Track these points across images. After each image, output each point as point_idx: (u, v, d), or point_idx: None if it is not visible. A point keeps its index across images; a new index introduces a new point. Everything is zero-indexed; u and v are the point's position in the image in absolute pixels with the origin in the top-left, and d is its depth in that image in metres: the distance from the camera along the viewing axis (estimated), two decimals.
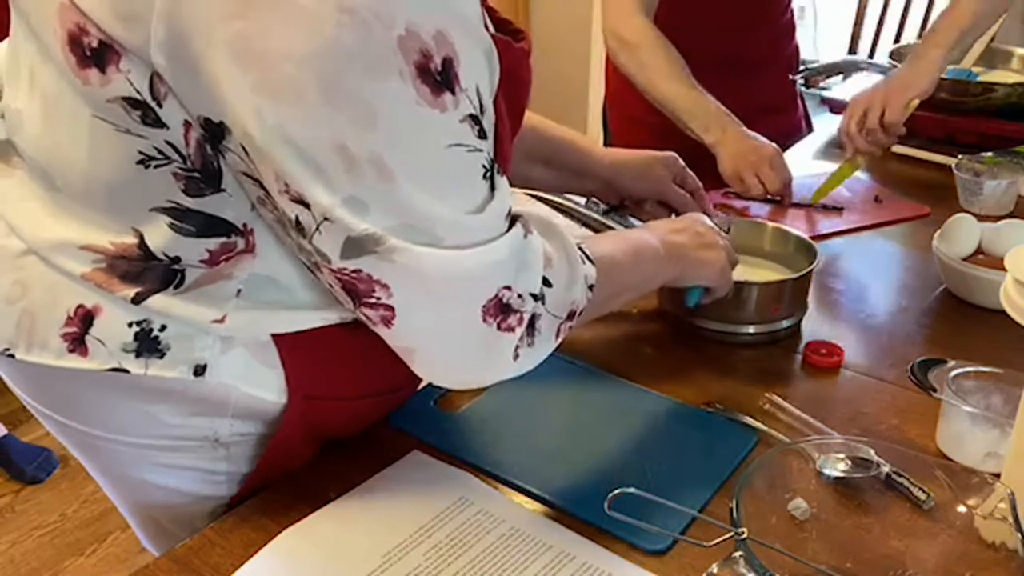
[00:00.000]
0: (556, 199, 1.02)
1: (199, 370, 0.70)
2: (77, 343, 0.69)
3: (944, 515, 0.70)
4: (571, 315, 0.73)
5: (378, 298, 0.63)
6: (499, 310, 0.65)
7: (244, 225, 0.66)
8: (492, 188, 0.65)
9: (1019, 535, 0.63)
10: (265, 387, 0.74)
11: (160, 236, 0.66)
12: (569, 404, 0.91)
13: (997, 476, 0.70)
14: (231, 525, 0.75)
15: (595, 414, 0.89)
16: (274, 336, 0.72)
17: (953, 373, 0.84)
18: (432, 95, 0.57)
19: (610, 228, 1.05)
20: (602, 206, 1.07)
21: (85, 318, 0.69)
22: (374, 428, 0.86)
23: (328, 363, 0.76)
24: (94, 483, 0.86)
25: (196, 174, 0.63)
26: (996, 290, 0.72)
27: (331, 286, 0.66)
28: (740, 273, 1.07)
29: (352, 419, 0.84)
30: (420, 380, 0.88)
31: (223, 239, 0.66)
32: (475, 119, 0.61)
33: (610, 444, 0.85)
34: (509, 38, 0.65)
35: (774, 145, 1.35)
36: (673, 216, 1.08)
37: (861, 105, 1.41)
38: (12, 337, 0.70)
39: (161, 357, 0.69)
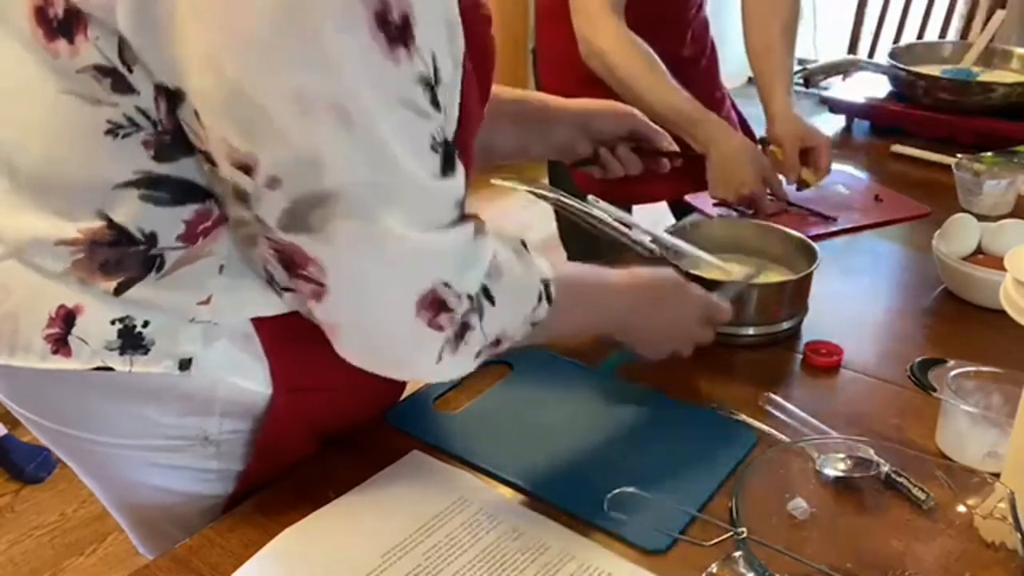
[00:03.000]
0: (556, 197, 1.02)
1: (184, 364, 0.70)
2: (60, 344, 0.69)
3: (944, 515, 0.70)
4: (497, 342, 0.71)
5: (311, 273, 0.62)
6: (433, 305, 0.64)
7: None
8: (445, 166, 0.64)
9: (1019, 535, 0.63)
10: (250, 378, 0.74)
11: (131, 211, 0.65)
12: (569, 404, 0.91)
13: (997, 476, 0.70)
14: (230, 525, 0.75)
15: (595, 414, 0.89)
16: (256, 325, 0.72)
17: (953, 373, 0.84)
18: (387, 45, 0.57)
19: (609, 227, 1.05)
20: (601, 203, 1.06)
21: (67, 318, 0.68)
22: (374, 428, 0.87)
23: (311, 354, 0.75)
24: None
25: (167, 137, 0.63)
26: (996, 290, 0.72)
27: (267, 262, 0.65)
28: (741, 274, 1.07)
29: (341, 413, 0.84)
30: None
31: (197, 205, 0.66)
32: (428, 84, 0.60)
33: (610, 444, 0.85)
34: (470, 4, 0.65)
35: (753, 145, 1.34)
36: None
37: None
38: None
39: (145, 353, 0.69)
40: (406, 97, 0.60)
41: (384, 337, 0.67)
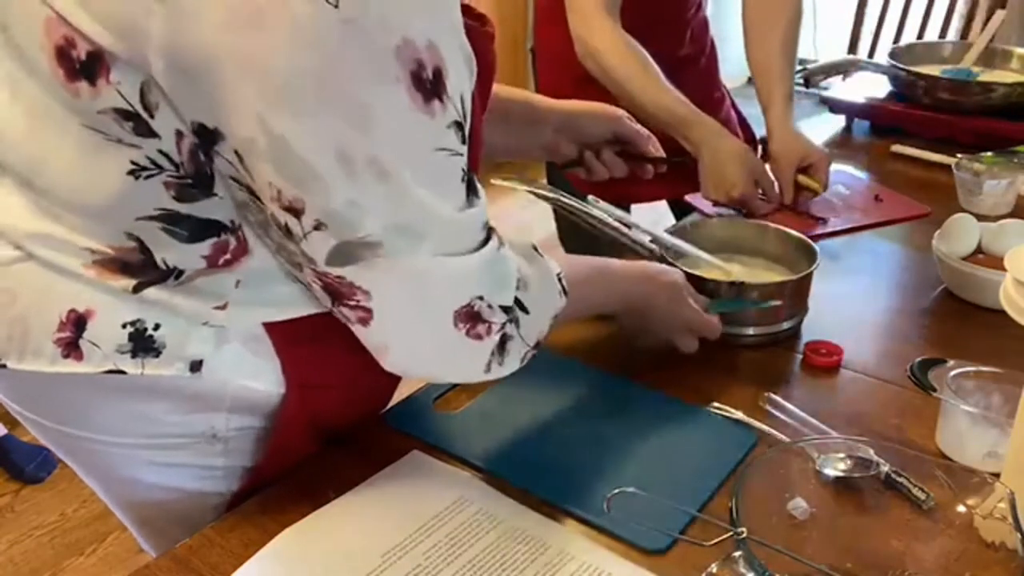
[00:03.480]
0: (556, 197, 1.02)
1: (195, 366, 0.71)
2: (71, 347, 0.69)
3: (944, 515, 0.70)
4: (537, 344, 0.76)
5: (357, 301, 0.66)
6: (469, 318, 0.68)
7: (232, 222, 0.67)
8: (470, 192, 0.67)
9: (1019, 535, 0.63)
10: (262, 379, 0.74)
11: (152, 238, 0.66)
12: (569, 404, 0.91)
13: (997, 476, 0.70)
14: (231, 525, 0.75)
15: (595, 414, 0.89)
16: (267, 327, 0.73)
17: (953, 373, 0.84)
18: (424, 102, 0.59)
19: (609, 227, 1.05)
20: (601, 203, 1.06)
21: (78, 322, 0.68)
22: (374, 428, 0.87)
23: (323, 350, 0.76)
24: None
25: (188, 180, 0.64)
26: (996, 290, 0.72)
27: (311, 285, 0.68)
28: (741, 274, 1.07)
29: (350, 407, 0.84)
30: None
31: (215, 239, 0.67)
32: (459, 126, 0.63)
33: (610, 444, 0.85)
34: (476, 24, 0.67)
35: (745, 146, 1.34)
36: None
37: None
38: (4, 347, 0.70)
39: (157, 356, 0.70)
40: (442, 144, 0.62)
41: (429, 351, 0.70)
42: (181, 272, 0.68)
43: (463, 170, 0.66)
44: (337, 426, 0.85)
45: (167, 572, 0.71)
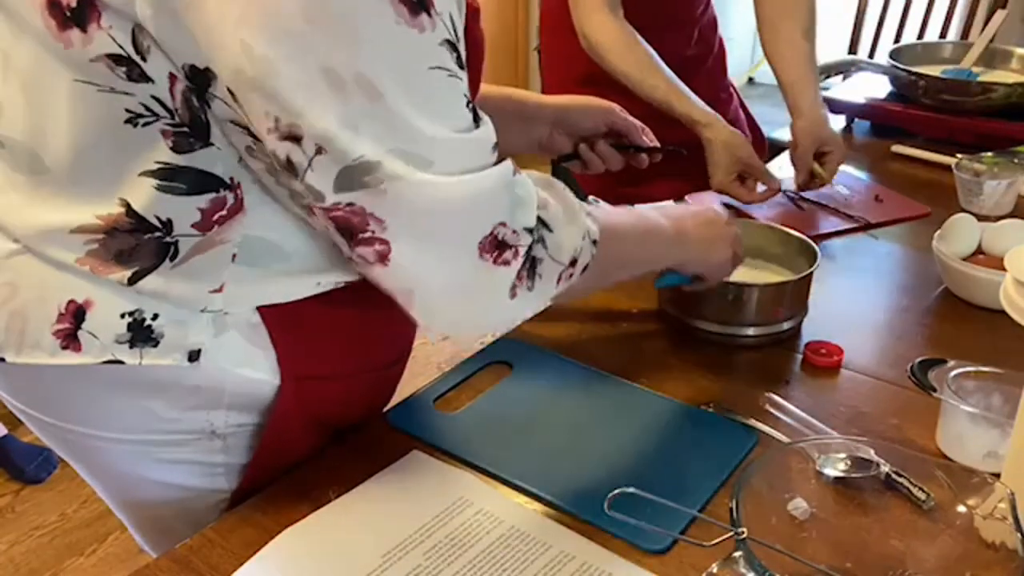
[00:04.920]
0: None
1: (193, 355, 0.71)
2: (70, 339, 0.69)
3: (944, 515, 0.70)
4: (573, 262, 0.73)
5: (373, 232, 0.63)
6: (495, 246, 0.66)
7: (231, 179, 0.67)
8: (476, 118, 0.66)
9: (1019, 535, 0.63)
10: (258, 368, 0.74)
11: (149, 199, 0.66)
12: (569, 404, 0.91)
13: (997, 476, 0.70)
14: (231, 525, 0.75)
15: (595, 414, 0.89)
16: (263, 314, 0.73)
17: (953, 373, 0.84)
18: (410, 15, 0.58)
19: None
20: (602, 204, 1.06)
21: (77, 313, 0.69)
22: (374, 428, 0.87)
23: (318, 341, 0.76)
24: None
25: (184, 128, 0.63)
26: (996, 290, 0.72)
27: (326, 229, 0.66)
28: (741, 275, 1.07)
29: (346, 401, 0.84)
30: (409, 353, 0.89)
31: (212, 195, 0.66)
32: (452, 45, 0.62)
33: (610, 444, 0.85)
34: None
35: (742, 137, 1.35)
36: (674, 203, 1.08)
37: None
38: (3, 340, 0.70)
39: (155, 346, 0.70)
40: (437, 62, 0.61)
41: (456, 287, 0.67)
42: (176, 250, 0.67)
43: (465, 95, 0.64)
44: (337, 422, 0.85)
45: (167, 572, 0.71)
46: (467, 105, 0.64)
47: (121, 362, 0.69)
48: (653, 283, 1.01)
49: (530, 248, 0.68)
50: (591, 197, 1.07)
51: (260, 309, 0.73)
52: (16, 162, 0.69)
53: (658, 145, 1.08)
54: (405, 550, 0.71)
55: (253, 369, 0.74)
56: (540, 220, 0.69)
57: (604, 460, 0.82)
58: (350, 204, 0.62)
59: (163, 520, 0.84)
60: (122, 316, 0.69)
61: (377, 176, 0.60)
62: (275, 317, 0.73)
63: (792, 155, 1.38)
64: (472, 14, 0.68)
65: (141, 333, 0.69)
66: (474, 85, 0.74)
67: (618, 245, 0.80)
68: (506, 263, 0.67)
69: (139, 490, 0.81)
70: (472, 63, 0.70)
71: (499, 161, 0.67)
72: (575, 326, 1.06)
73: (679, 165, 1.19)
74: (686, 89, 1.35)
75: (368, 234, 0.63)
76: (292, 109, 0.58)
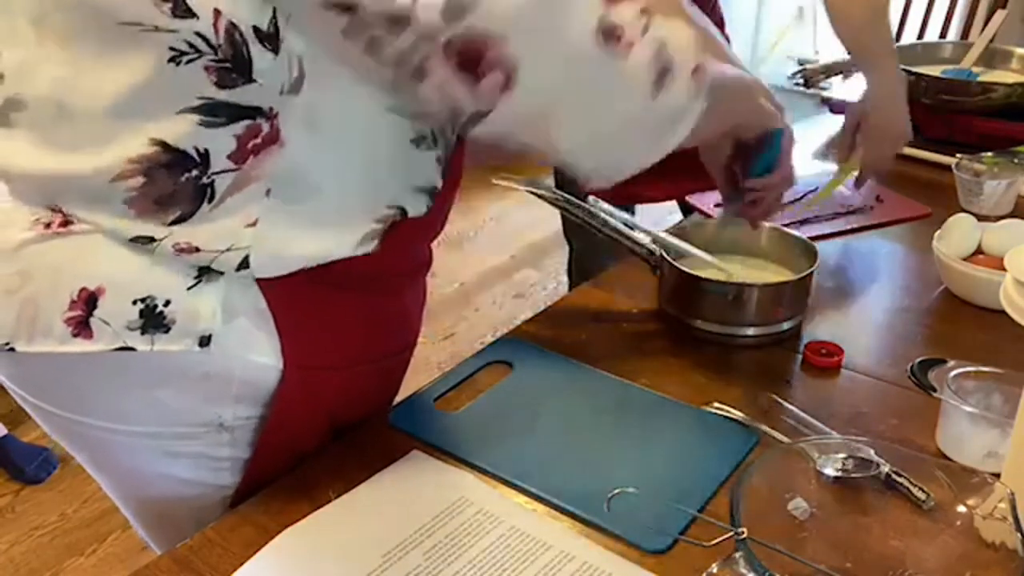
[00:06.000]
0: (555, 197, 1.02)
1: (204, 341, 0.71)
2: (82, 326, 0.69)
3: (944, 515, 0.70)
4: (697, 69, 0.69)
5: (496, 55, 0.61)
6: (607, 33, 0.64)
7: (271, 109, 0.66)
8: None
9: (1019, 535, 0.63)
10: (264, 354, 0.75)
11: (186, 133, 0.66)
12: (569, 404, 0.91)
13: (997, 476, 0.70)
14: (231, 525, 0.75)
15: (595, 414, 0.89)
16: (269, 300, 0.73)
17: (953, 373, 0.84)
18: None
19: (609, 228, 1.05)
20: (602, 204, 1.06)
21: (89, 300, 0.69)
22: (374, 428, 0.87)
23: (322, 331, 0.77)
24: (94, 483, 0.86)
25: (227, 64, 0.64)
26: (996, 290, 0.72)
27: (444, 84, 0.63)
28: (741, 275, 1.07)
29: (348, 393, 0.84)
30: (414, 346, 0.89)
31: (248, 121, 0.66)
32: None
33: (610, 444, 0.85)
34: None
35: None
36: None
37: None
38: (13, 329, 0.70)
39: (166, 332, 0.70)
40: None
41: (590, 93, 0.66)
42: (213, 192, 0.67)
43: None
44: (342, 414, 0.85)
45: (167, 572, 0.71)
46: None
47: (132, 349, 0.70)
48: (657, 275, 1.00)
49: (645, 30, 0.66)
50: (591, 198, 1.07)
51: (266, 293, 0.73)
52: (41, 120, 0.68)
53: None
54: (405, 550, 0.71)
55: (259, 355, 0.75)
56: (640, 10, 0.67)
57: (604, 460, 0.82)
58: (466, 30, 0.60)
59: (168, 515, 0.84)
60: (134, 303, 0.69)
61: None
62: (281, 302, 0.73)
63: (867, 149, 1.30)
64: None
65: (153, 319, 0.70)
66: None
67: (722, 88, 0.75)
68: (629, 45, 0.65)
69: (145, 484, 0.81)
70: None
71: None
72: (575, 326, 1.06)
73: (680, 165, 1.19)
74: None
75: (491, 56, 0.62)
76: None
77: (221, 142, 0.66)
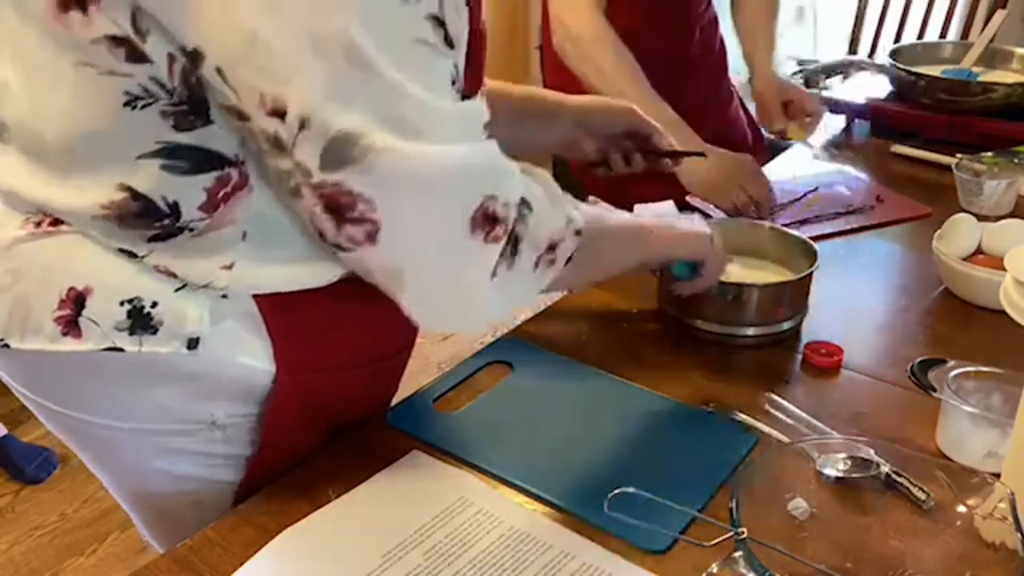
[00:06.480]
0: None
1: (192, 343, 0.71)
2: (70, 325, 0.70)
3: (944, 515, 0.70)
4: (552, 247, 0.73)
5: (362, 213, 0.63)
6: (485, 220, 0.66)
7: (236, 156, 0.67)
8: (466, 97, 0.66)
9: (1019, 535, 0.63)
10: (255, 358, 0.75)
11: (153, 181, 0.66)
12: (569, 404, 0.91)
13: (997, 476, 0.70)
14: (231, 525, 0.75)
15: (595, 414, 0.89)
16: (260, 304, 0.73)
17: (953, 373, 0.84)
18: None
19: None
20: (602, 204, 1.06)
21: (77, 300, 0.69)
22: (374, 428, 0.87)
23: (313, 332, 0.77)
24: (94, 483, 0.86)
25: (184, 107, 0.64)
26: (996, 290, 0.72)
27: (312, 212, 0.64)
28: (741, 275, 1.07)
29: (344, 394, 0.84)
30: (411, 347, 0.89)
31: (217, 172, 0.66)
32: (438, 22, 0.62)
33: (610, 444, 0.85)
34: None
35: (748, 156, 1.35)
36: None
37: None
38: (6, 326, 0.71)
39: (154, 333, 0.70)
40: (421, 35, 0.61)
41: (445, 267, 0.68)
42: (187, 224, 0.67)
43: (451, 74, 0.64)
44: (339, 416, 0.85)
45: (167, 572, 0.71)
46: (452, 84, 0.65)
47: (121, 349, 0.70)
48: (657, 276, 1.03)
49: (515, 222, 0.68)
50: (591, 198, 1.07)
51: (257, 299, 0.73)
52: (25, 146, 0.70)
53: (678, 149, 1.09)
54: (405, 550, 0.71)
55: (250, 358, 0.75)
56: (523, 199, 0.70)
57: (604, 460, 0.82)
58: (336, 184, 0.62)
59: (169, 511, 0.84)
60: (121, 304, 0.70)
61: (363, 147, 0.60)
62: (272, 308, 0.73)
63: (759, 113, 1.51)
64: (475, 2, 0.68)
65: (140, 320, 0.70)
66: (477, 77, 0.74)
67: (604, 240, 0.80)
68: (496, 239, 0.67)
69: (145, 480, 0.82)
70: (474, 53, 0.70)
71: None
72: (575, 326, 1.06)
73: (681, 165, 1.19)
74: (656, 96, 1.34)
75: (357, 213, 0.63)
76: (278, 80, 0.58)
77: (191, 193, 0.67)
